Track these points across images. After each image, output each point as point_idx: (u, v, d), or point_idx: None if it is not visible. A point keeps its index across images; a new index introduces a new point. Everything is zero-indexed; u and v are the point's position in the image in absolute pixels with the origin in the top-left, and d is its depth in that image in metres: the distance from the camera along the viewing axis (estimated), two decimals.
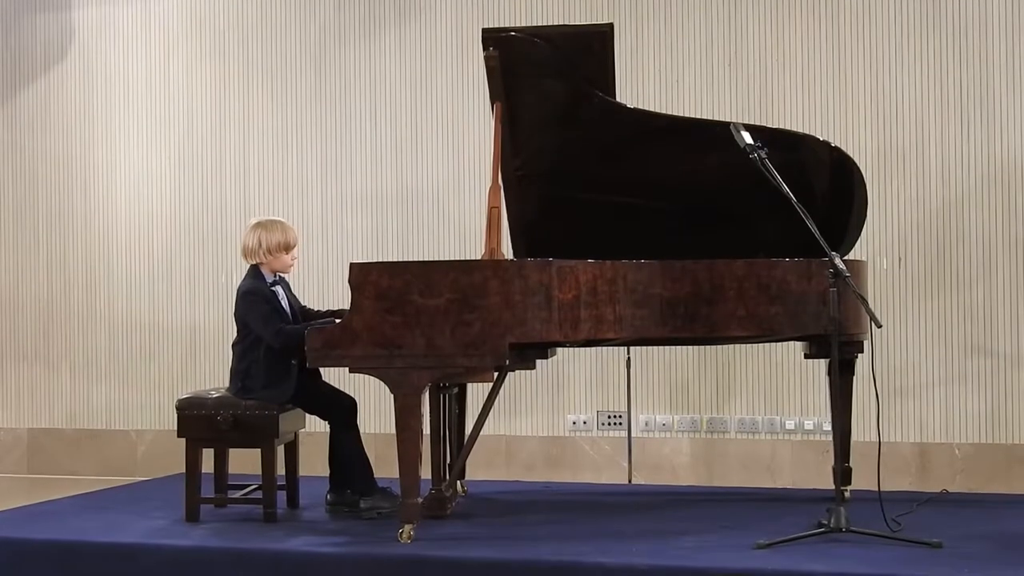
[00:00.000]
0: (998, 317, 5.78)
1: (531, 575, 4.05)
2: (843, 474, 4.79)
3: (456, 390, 5.31)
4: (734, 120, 4.66)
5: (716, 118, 5.68)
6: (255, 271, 4.98)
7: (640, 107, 5.24)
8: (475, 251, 5.84)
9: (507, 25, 5.72)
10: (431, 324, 4.32)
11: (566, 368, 6.28)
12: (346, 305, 4.46)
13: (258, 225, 5.00)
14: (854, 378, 5.11)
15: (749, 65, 6.10)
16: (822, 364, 5.39)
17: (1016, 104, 5.77)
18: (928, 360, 5.86)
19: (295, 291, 5.19)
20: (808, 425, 5.98)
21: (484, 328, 4.32)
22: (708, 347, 5.97)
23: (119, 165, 7.00)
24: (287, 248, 4.98)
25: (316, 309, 5.26)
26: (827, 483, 5.06)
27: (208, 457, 5.03)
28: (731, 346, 5.89)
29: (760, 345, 5.77)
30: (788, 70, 6.06)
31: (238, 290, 4.98)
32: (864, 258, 5.41)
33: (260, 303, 4.88)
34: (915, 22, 5.91)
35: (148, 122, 6.96)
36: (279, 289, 5.02)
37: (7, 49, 7.20)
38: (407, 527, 4.37)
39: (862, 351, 4.96)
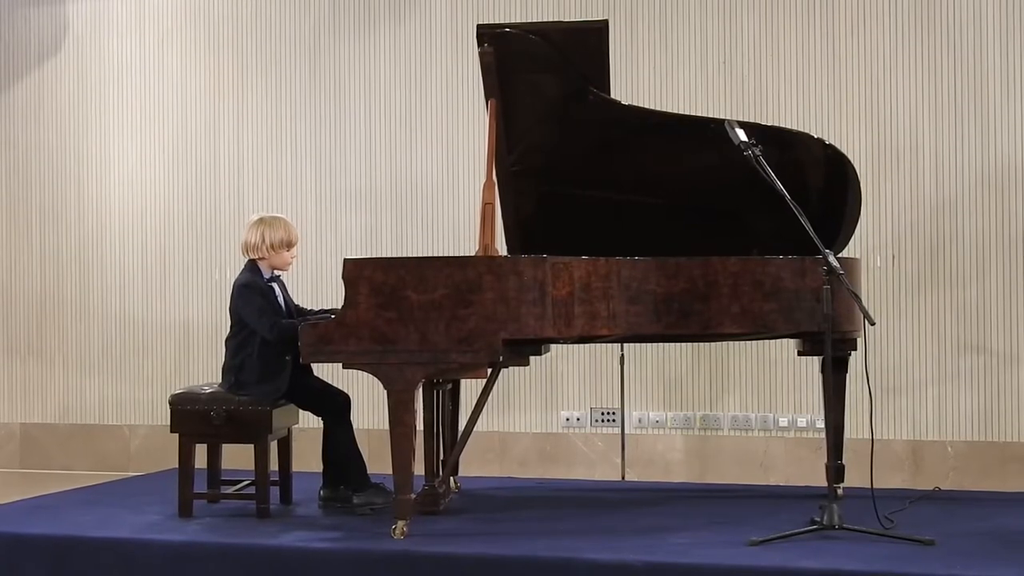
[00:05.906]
0: (991, 315, 5.79)
1: (524, 571, 4.05)
2: (836, 471, 4.78)
3: (450, 386, 5.31)
4: (729, 117, 4.66)
5: (711, 115, 5.68)
6: (252, 266, 4.99)
7: (635, 104, 5.23)
8: (469, 247, 5.83)
9: (502, 21, 5.71)
10: (425, 320, 4.32)
11: (560, 364, 6.27)
12: (340, 303, 4.45)
13: (261, 221, 5.01)
14: (847, 375, 5.12)
15: (744, 63, 6.10)
16: (816, 361, 5.39)
17: (1009, 103, 5.78)
18: (921, 357, 5.87)
19: (289, 288, 5.19)
20: (801, 422, 5.99)
21: (478, 324, 4.31)
22: (702, 344, 5.97)
23: (113, 159, 6.99)
24: (289, 245, 5.00)
25: (310, 309, 5.26)
26: (820, 480, 5.06)
27: (201, 452, 5.02)
28: (725, 343, 5.89)
29: (754, 342, 5.77)
30: (783, 68, 6.06)
31: (234, 283, 4.98)
32: (858, 255, 5.43)
33: (256, 297, 4.89)
34: (909, 21, 5.91)
35: (142, 116, 6.95)
36: (275, 287, 5.03)
37: (0, 42, 7.18)
38: (400, 523, 4.37)
39: (856, 348, 4.96)
